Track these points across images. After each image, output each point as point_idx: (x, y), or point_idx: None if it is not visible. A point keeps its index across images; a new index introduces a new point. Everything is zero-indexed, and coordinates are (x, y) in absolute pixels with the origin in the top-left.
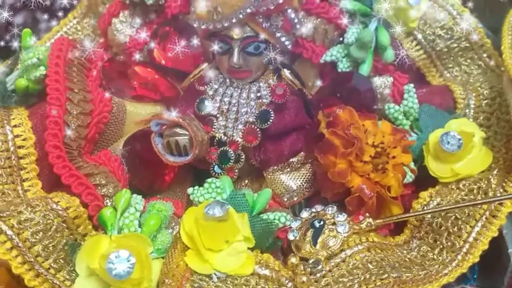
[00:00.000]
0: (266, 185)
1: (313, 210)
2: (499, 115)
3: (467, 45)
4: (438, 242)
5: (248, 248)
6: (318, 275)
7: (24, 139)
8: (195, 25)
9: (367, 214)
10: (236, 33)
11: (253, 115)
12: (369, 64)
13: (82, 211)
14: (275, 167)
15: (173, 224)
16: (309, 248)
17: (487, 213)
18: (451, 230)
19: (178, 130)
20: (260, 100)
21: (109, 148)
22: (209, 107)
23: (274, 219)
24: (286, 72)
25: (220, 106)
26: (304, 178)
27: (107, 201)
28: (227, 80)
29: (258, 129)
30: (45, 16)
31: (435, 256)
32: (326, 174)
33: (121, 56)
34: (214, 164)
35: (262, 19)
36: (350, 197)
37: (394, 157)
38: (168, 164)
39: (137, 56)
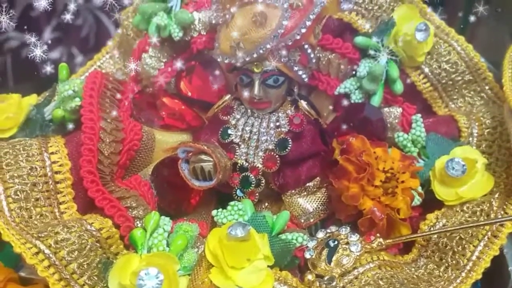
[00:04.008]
0: (284, 208)
1: (328, 230)
2: (500, 143)
3: (471, 78)
4: (444, 260)
5: (268, 266)
6: None
7: (60, 165)
8: (219, 60)
9: (378, 235)
10: (257, 67)
11: (272, 143)
12: (379, 96)
13: (114, 231)
14: (293, 191)
15: (199, 243)
16: (324, 266)
17: (489, 233)
18: (455, 249)
19: (203, 156)
20: (279, 129)
21: (139, 173)
22: (232, 135)
23: (292, 239)
24: (303, 103)
25: (242, 134)
26: (319, 201)
27: (138, 222)
28: (249, 110)
29: (277, 156)
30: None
31: (441, 273)
32: (340, 197)
33: (150, 88)
34: (236, 188)
35: (281, 54)
36: (362, 218)
37: (403, 181)
38: (194, 188)
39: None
